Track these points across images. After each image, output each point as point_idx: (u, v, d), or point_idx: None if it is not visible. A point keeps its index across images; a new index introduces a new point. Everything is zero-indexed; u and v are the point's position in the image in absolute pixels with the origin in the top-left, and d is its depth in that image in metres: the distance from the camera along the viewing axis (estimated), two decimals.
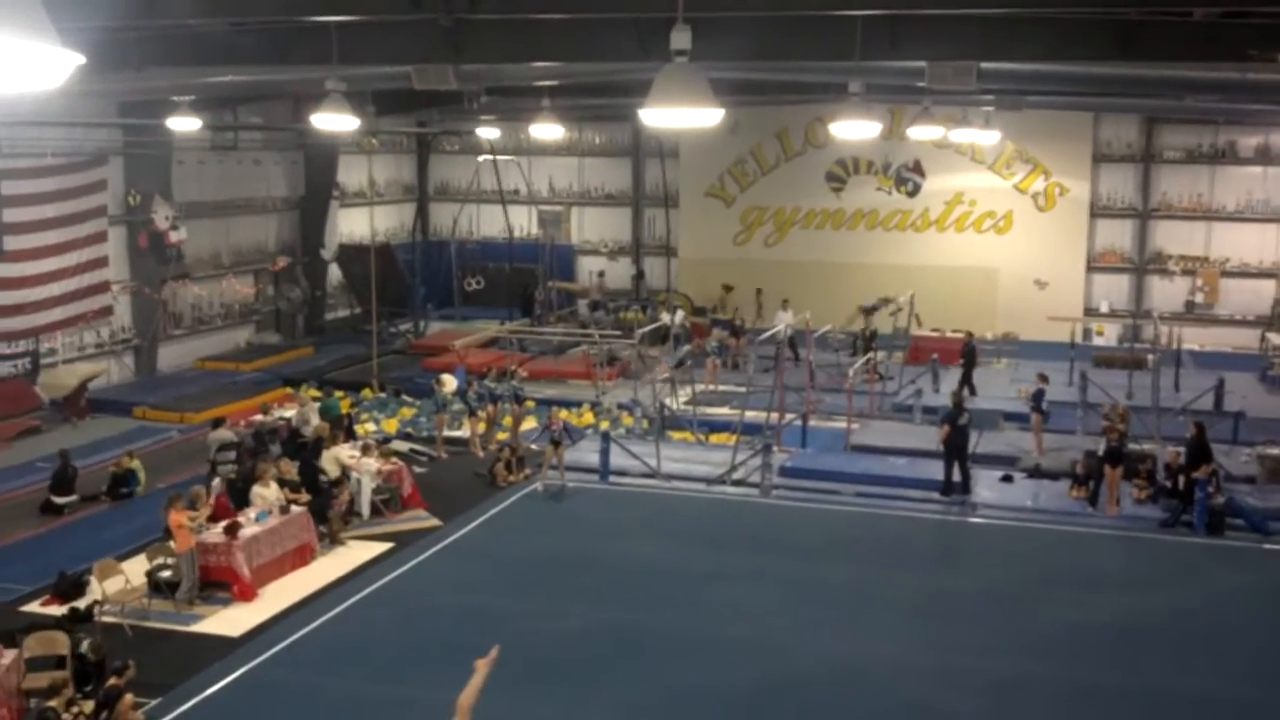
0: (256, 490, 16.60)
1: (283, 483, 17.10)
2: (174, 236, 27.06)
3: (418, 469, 20.45)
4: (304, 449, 19.13)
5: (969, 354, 25.56)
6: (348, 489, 17.95)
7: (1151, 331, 26.75)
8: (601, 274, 35.72)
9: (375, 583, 15.54)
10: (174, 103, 20.60)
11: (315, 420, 20.63)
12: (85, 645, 12.37)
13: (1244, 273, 32.18)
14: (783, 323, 26.86)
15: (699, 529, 17.95)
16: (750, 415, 22.15)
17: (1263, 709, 12.30)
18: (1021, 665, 13.16)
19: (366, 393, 26.43)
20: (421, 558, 16.56)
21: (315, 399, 22.68)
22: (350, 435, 20.75)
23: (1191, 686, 12.74)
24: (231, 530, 15.27)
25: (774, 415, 22.12)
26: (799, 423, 22.76)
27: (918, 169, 33.97)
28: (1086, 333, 31.19)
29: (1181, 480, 18.21)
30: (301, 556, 16.23)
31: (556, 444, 19.33)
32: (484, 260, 36.61)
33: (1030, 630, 14.21)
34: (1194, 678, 12.97)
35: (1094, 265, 33.28)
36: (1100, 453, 18.68)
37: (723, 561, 16.34)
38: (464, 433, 22.72)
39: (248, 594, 14.94)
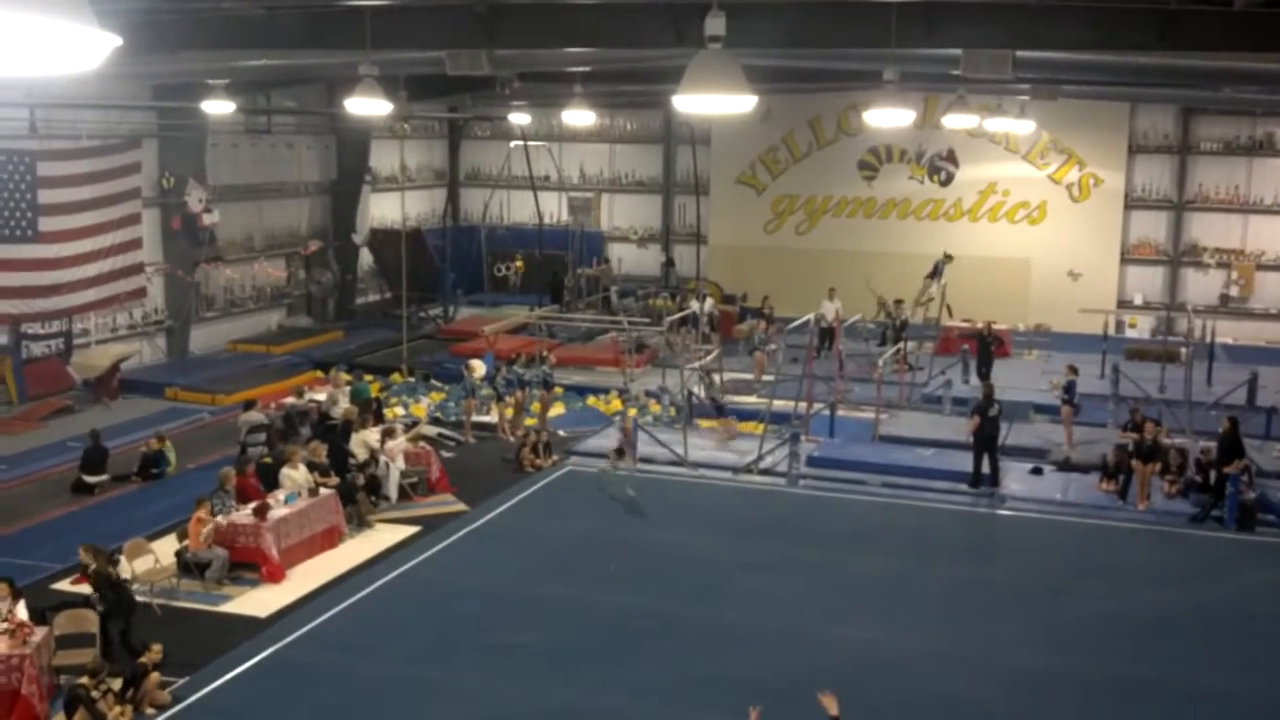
0: (285, 472, 16.71)
1: (312, 465, 17.20)
2: (207, 219, 27.19)
3: (446, 453, 20.53)
4: (333, 432, 19.22)
5: (984, 344, 25.39)
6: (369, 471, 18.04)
7: (1185, 324, 26.49)
8: (606, 260, 35.58)
9: (402, 566, 15.61)
10: (208, 86, 20.68)
11: (344, 403, 20.73)
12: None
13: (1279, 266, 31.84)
14: (829, 312, 26.82)
15: (725, 517, 17.94)
16: (778, 404, 22.10)
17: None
18: (1050, 659, 13.08)
19: (396, 377, 26.53)
20: (448, 541, 16.63)
21: (347, 383, 22.81)
22: (379, 419, 20.82)
23: (1221, 682, 12.63)
24: (260, 512, 15.37)
25: (802, 404, 22.07)
26: (827, 412, 22.68)
27: (951, 158, 33.72)
28: (1119, 325, 30.91)
29: (1213, 475, 18.05)
30: (330, 539, 16.33)
31: (621, 453, 18.42)
32: (514, 246, 36.64)
33: (1058, 623, 14.13)
34: (1224, 674, 12.86)
35: (1128, 257, 32.95)
36: (1130, 447, 18.55)
37: (749, 550, 16.33)
38: (492, 418, 22.78)
39: (276, 575, 15.05)
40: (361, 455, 18.30)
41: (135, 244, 25.77)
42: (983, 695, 12.25)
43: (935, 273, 29.88)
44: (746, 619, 14.08)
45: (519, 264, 36.18)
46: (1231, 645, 13.68)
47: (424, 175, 38.02)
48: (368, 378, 24.21)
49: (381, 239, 33.17)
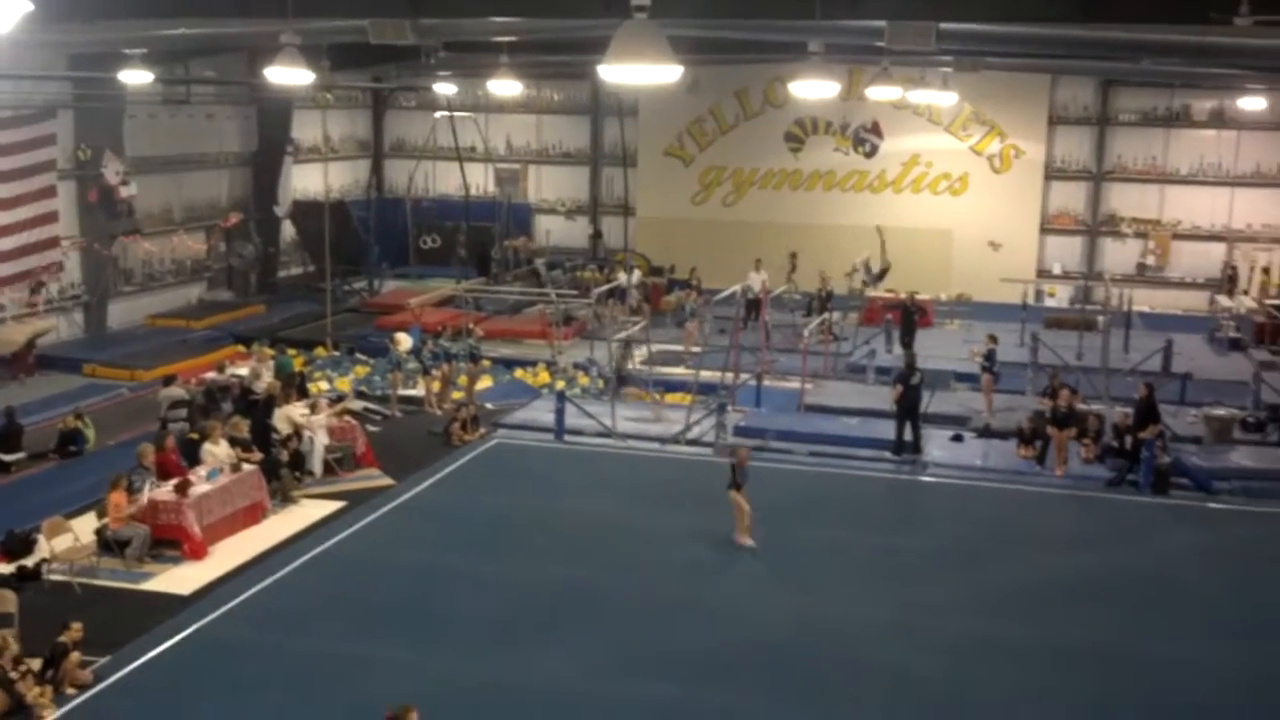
0: (207, 448, 16.48)
1: (234, 441, 16.98)
2: (124, 192, 26.62)
3: (371, 428, 20.37)
4: (255, 407, 18.98)
5: (907, 314, 25.72)
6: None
7: (1103, 293, 27.02)
8: (528, 235, 35.37)
9: (327, 541, 15.48)
10: (125, 55, 20.19)
11: (268, 378, 20.48)
12: None
13: (1195, 235, 32.55)
14: (756, 283, 26.94)
15: (655, 488, 18.00)
16: (705, 375, 22.22)
17: (1210, 665, 12.53)
18: (978, 624, 13.33)
19: (320, 351, 26.26)
20: (374, 516, 16.51)
21: (270, 357, 22.49)
22: (303, 394, 20.62)
23: (1141, 644, 12.95)
24: (182, 488, 15.14)
25: (729, 375, 22.20)
26: (754, 383, 22.85)
27: (876, 130, 34.01)
28: (1039, 294, 31.47)
29: (1129, 440, 18.49)
30: (253, 515, 16.14)
31: (739, 486, 15.48)
32: (440, 218, 36.34)
33: (984, 589, 14.40)
34: (1143, 635, 13.19)
35: (1047, 227, 33.53)
36: (1046, 414, 18.95)
37: (679, 521, 16.41)
38: (419, 392, 22.65)
39: (198, 552, 14.84)
40: (285, 430, 18.09)
41: (50, 217, 25.17)
42: (921, 662, 12.43)
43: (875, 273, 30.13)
44: (679, 590, 14.16)
45: (432, 238, 35.81)
46: (1149, 607, 14.04)
47: (348, 146, 37.52)
48: (291, 352, 23.90)
49: (304, 211, 32.72)
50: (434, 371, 22.48)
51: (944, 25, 14.97)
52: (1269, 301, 28.81)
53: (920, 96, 29.73)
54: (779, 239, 32.26)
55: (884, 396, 20.73)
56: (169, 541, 14.93)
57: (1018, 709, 11.59)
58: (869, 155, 34.20)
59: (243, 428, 17.62)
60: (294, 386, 20.39)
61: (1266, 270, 31.11)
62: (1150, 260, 32.81)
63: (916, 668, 12.34)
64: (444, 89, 33.04)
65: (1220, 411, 20.28)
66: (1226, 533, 16.59)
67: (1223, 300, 30.38)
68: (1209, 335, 28.19)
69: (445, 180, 37.18)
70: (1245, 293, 30.69)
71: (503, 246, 33.17)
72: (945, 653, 12.66)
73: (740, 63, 31.35)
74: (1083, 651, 12.66)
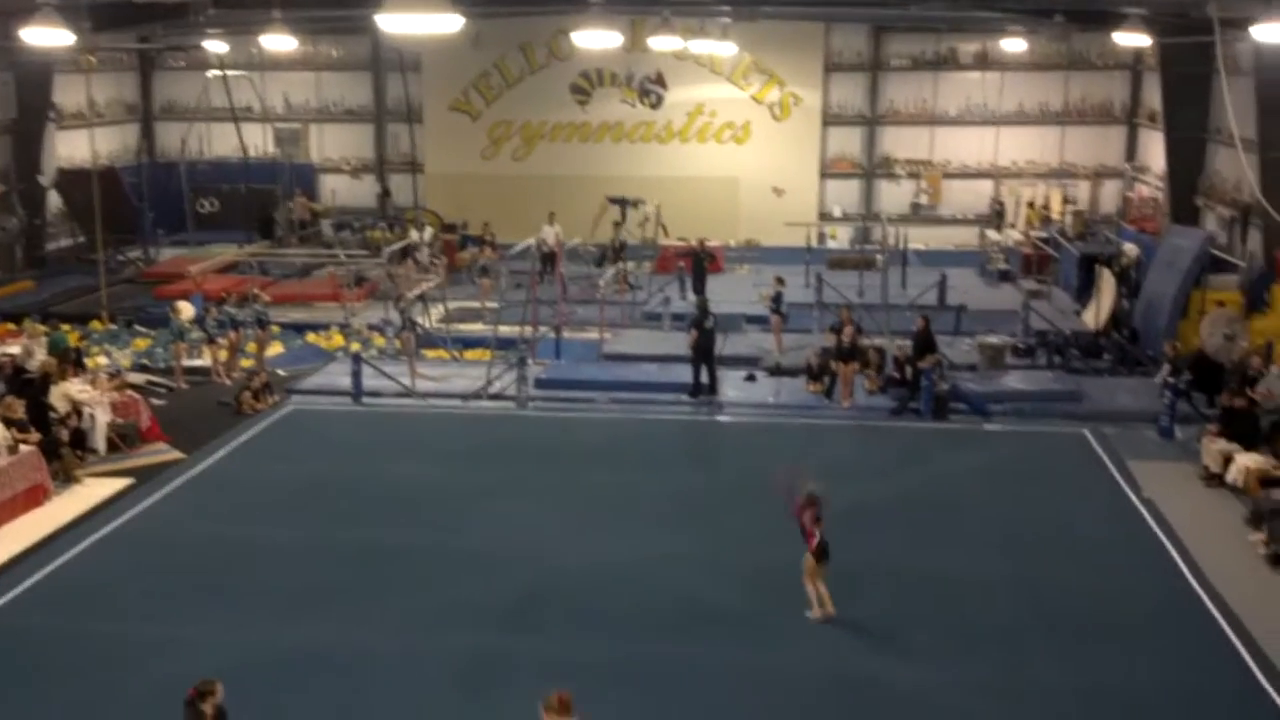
0: None
1: (9, 422, 16.09)
2: None
3: (156, 401, 19.64)
4: (30, 386, 18.02)
5: (698, 261, 26.27)
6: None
7: (880, 233, 28.15)
8: (304, 193, 34.46)
9: (117, 520, 14.92)
10: None
11: (41, 355, 19.48)
12: None
13: (964, 174, 34.24)
14: (550, 237, 26.94)
15: (458, 445, 17.97)
16: (504, 330, 22.23)
17: (987, 576, 13.37)
18: (771, 552, 13.77)
19: (96, 325, 25.06)
20: (165, 491, 15.99)
21: (43, 334, 21.34)
22: (80, 369, 19.69)
23: (926, 560, 13.70)
24: None
25: (528, 329, 22.27)
26: (553, 335, 22.98)
27: (660, 81, 34.40)
28: (821, 237, 32.55)
29: (909, 371, 19.44)
30: (34, 497, 15.39)
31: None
32: (218, 181, 35.00)
33: (777, 519, 14.87)
34: (928, 551, 13.97)
35: (827, 172, 34.67)
36: (833, 350, 19.74)
37: (483, 476, 16.45)
38: (205, 361, 21.92)
39: None
40: (63, 408, 17.28)
41: None
42: (716, 593, 12.88)
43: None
44: (486, 543, 14.21)
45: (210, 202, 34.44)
46: (933, 526, 14.85)
47: (114, 110, 35.62)
48: (64, 327, 22.71)
49: (71, 179, 30.98)
50: (220, 340, 21.79)
51: None
52: (1034, 234, 30.57)
53: (701, 47, 30.23)
54: (570, 192, 32.35)
55: (680, 342, 21.20)
56: None
57: (809, 629, 12.11)
58: (655, 106, 34.59)
59: (17, 408, 16.69)
60: (70, 362, 19.46)
61: (1031, 205, 33.02)
62: (924, 200, 34.34)
63: (713, 597, 12.78)
64: (215, 47, 31.72)
65: (993, 339, 21.49)
66: (1000, 452, 17.66)
67: (992, 235, 32.07)
68: (980, 268, 29.76)
69: (222, 142, 35.74)
70: (1012, 226, 32.51)
71: (286, 209, 32.24)
72: (740, 581, 13.16)
73: (524, 15, 31.20)
74: (870, 571, 13.30)
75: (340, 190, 36.17)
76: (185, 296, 23.67)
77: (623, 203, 29.67)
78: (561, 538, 14.40)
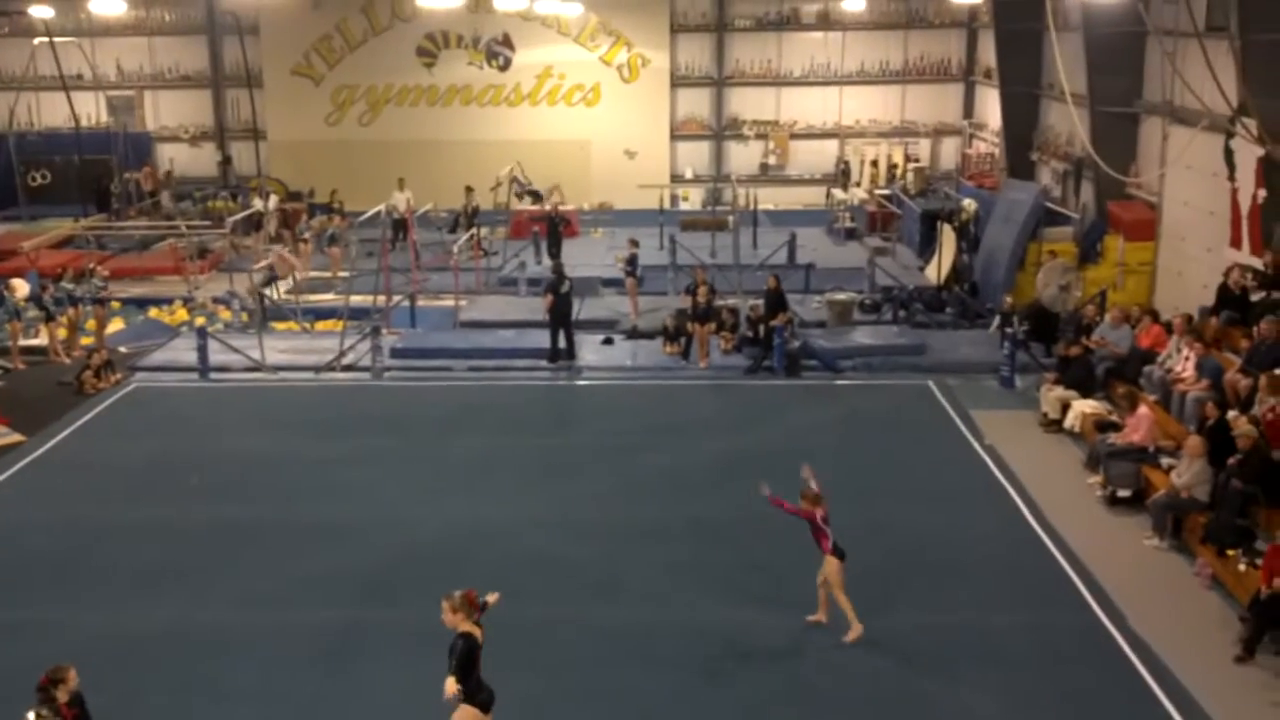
0: None
1: None
2: None
3: None
4: None
5: (552, 225, 26.23)
6: None
7: (730, 194, 28.50)
8: (146, 165, 33.29)
9: None
10: None
11: None
12: None
13: (810, 134, 34.81)
14: (401, 203, 26.53)
15: (312, 418, 17.70)
16: (356, 299, 21.88)
17: (846, 524, 13.72)
18: (630, 510, 14.07)
19: None
20: (5, 475, 15.40)
21: None
22: None
23: (778, 514, 13.99)
24: None
25: (380, 298, 21.97)
26: (407, 304, 22.72)
27: (507, 43, 34.08)
28: (673, 199, 32.80)
29: (762, 329, 19.82)
30: None
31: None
32: (50, 153, 33.47)
33: (637, 477, 15.17)
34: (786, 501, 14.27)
35: (677, 134, 34.89)
36: (689, 311, 19.99)
37: (339, 447, 16.25)
38: (42, 340, 21.08)
39: None
40: None
41: None
42: (572, 549, 13.06)
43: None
44: (343, 514, 14.07)
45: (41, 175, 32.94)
46: (787, 478, 15.14)
47: None
48: None
49: None
50: (58, 318, 20.97)
51: None
52: (878, 192, 31.32)
53: (547, 7, 30.02)
54: (420, 157, 31.92)
55: (536, 307, 21.17)
56: None
57: (664, 581, 12.38)
58: (503, 69, 34.28)
59: None
60: None
61: (875, 163, 33.82)
62: (772, 160, 34.85)
63: (573, 555, 12.96)
64: (40, 12, 30.24)
65: (841, 296, 22.01)
66: (850, 405, 18.16)
67: (838, 194, 32.74)
68: (828, 227, 30.36)
69: (52, 112, 34.21)
70: (857, 185, 33.23)
71: (123, 180, 31.06)
72: (599, 539, 13.37)
73: None
74: (724, 525, 13.64)
75: (179, 158, 34.97)
76: (20, 274, 22.71)
77: (535, 194, 29.55)
78: (420, 506, 14.34)
